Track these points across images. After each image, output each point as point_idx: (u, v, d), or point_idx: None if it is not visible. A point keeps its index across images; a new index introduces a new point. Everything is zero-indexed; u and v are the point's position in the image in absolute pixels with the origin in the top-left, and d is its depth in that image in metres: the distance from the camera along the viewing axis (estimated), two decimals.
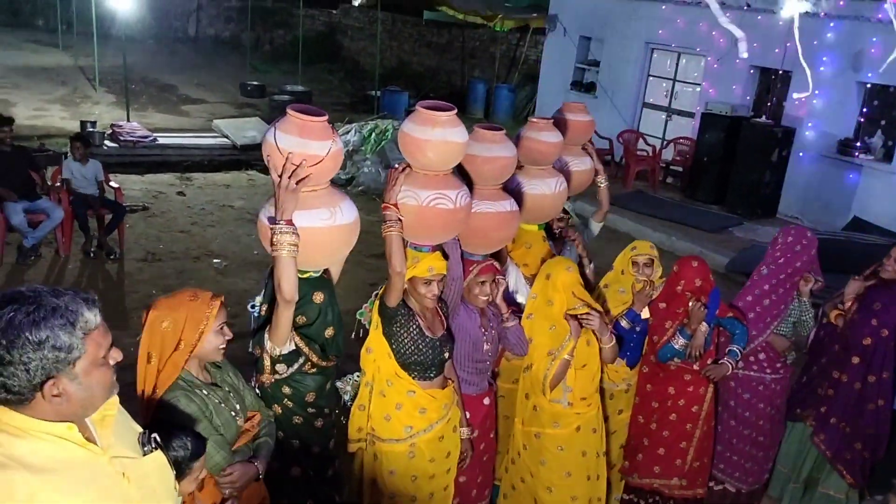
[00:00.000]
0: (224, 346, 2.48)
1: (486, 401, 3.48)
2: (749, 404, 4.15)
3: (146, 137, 10.97)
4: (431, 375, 3.12)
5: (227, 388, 2.56)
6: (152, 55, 19.65)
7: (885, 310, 3.89)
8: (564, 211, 4.10)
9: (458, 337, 3.29)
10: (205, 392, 2.44)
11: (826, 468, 4.17)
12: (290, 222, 2.48)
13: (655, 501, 4.05)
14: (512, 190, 3.55)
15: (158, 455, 1.86)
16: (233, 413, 2.52)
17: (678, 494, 3.98)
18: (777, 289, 4.02)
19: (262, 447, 2.63)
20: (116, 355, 1.69)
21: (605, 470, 3.70)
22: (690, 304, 3.69)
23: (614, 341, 3.54)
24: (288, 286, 2.52)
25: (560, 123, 3.99)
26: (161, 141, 11.14)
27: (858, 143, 9.95)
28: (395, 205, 2.91)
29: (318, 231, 2.59)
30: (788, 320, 4.08)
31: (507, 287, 3.55)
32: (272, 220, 2.51)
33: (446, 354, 3.15)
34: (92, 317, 1.61)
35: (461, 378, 3.35)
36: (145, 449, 1.83)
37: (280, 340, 2.67)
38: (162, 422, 2.25)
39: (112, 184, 7.65)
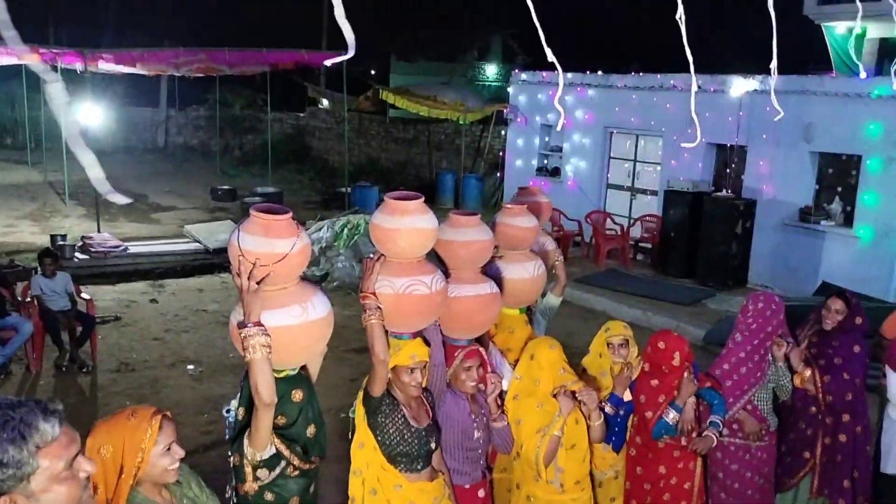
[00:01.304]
0: (175, 465, 2.28)
1: (482, 493, 3.37)
2: (737, 475, 4.11)
3: (117, 247, 10.95)
4: (419, 467, 3.05)
5: None
6: (122, 166, 19.78)
7: (847, 361, 4.05)
8: None
9: (445, 426, 3.23)
10: None
11: None
12: (258, 324, 2.46)
13: None
14: (491, 276, 3.59)
15: None
16: None
17: None
18: (752, 356, 4.06)
19: None
20: (87, 467, 1.59)
21: None
22: (686, 375, 3.68)
23: (602, 419, 3.51)
24: (265, 389, 2.46)
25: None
26: (132, 250, 11.12)
27: (817, 211, 10.25)
28: (374, 293, 2.92)
29: (292, 329, 2.57)
30: (768, 386, 4.10)
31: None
32: (241, 325, 2.48)
33: (433, 444, 3.09)
34: (49, 428, 1.52)
35: (452, 468, 3.28)
36: None
37: (261, 445, 2.60)
38: None
39: (83, 296, 7.57)
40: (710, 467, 4.05)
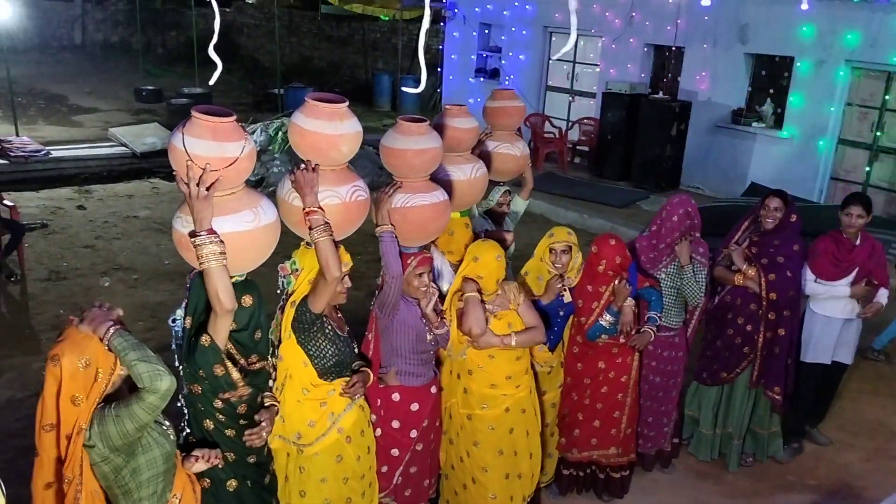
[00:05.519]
0: None
1: (433, 389, 3.50)
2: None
3: (38, 151, 10.42)
4: (347, 374, 3.11)
5: None
6: (37, 66, 18.65)
7: (789, 259, 4.22)
8: (507, 191, 4.39)
9: (400, 331, 3.31)
10: None
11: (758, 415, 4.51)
12: (211, 231, 2.39)
13: (592, 472, 4.17)
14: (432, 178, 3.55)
15: None
16: (164, 426, 2.44)
17: (614, 462, 4.12)
18: (654, 250, 4.12)
19: None
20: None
21: (538, 448, 3.76)
22: (616, 283, 3.77)
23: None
24: (225, 296, 2.43)
25: (494, 111, 4.24)
26: (55, 154, 10.60)
27: (749, 113, 10.44)
28: (321, 207, 2.81)
29: (245, 235, 2.52)
30: (676, 283, 4.10)
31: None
32: (192, 234, 2.40)
33: (357, 350, 3.19)
34: None
35: (406, 371, 3.37)
36: None
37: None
38: None
39: (6, 202, 7.24)
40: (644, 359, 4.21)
